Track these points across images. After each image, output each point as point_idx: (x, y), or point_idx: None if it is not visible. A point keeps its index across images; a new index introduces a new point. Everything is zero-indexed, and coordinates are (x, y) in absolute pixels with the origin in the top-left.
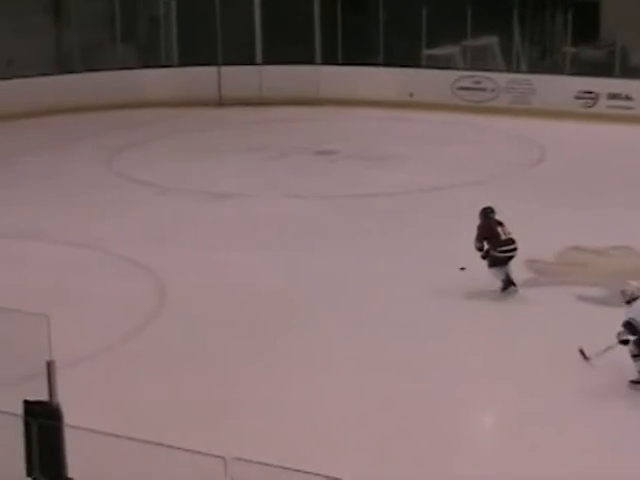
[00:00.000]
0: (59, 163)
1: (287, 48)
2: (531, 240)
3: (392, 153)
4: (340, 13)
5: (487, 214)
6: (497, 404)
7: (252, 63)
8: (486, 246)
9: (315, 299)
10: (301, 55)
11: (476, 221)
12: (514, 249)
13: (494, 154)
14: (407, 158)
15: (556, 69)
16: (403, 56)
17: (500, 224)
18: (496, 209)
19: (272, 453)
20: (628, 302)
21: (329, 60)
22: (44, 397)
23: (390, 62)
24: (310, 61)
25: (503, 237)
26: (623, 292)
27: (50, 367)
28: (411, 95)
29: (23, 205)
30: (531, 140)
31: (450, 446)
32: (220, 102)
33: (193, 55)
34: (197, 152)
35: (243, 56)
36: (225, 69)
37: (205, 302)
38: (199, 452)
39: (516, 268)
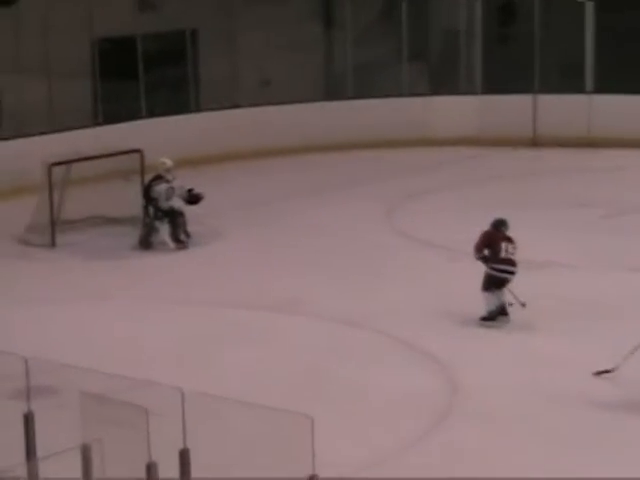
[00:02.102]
0: (323, 215)
1: (626, 71)
2: None
3: None
4: None
5: (496, 225)
6: None
7: (579, 91)
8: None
9: None
10: None
11: None
12: (511, 272)
13: None
14: None
15: None
16: None
17: (508, 240)
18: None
19: None
20: None
21: None
22: None
23: None
24: None
25: (502, 254)
26: None
27: None
28: None
29: (278, 266)
30: None
31: None
32: (534, 141)
33: (501, 79)
34: (501, 206)
35: (567, 81)
36: (543, 98)
37: (512, 406)
38: None
39: None
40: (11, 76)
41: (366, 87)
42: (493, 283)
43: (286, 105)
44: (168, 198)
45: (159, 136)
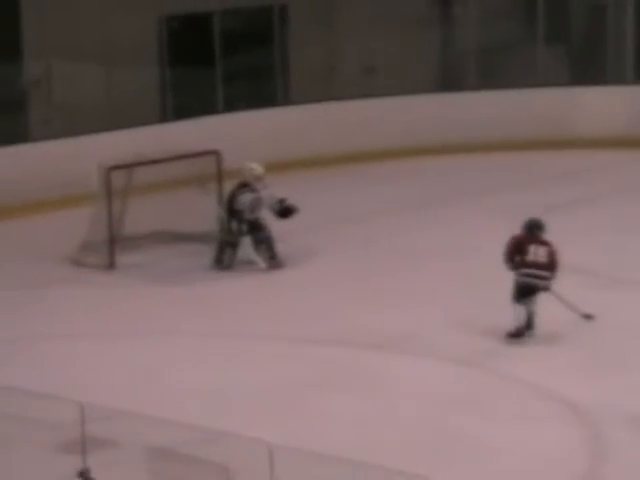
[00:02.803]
0: (438, 234)
1: None
2: None
3: None
4: None
5: (530, 227)
6: None
7: None
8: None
9: None
10: None
11: None
12: (540, 277)
13: None
14: None
15: None
16: None
17: (539, 242)
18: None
19: None
20: None
21: None
22: None
23: None
24: None
25: (531, 257)
26: None
27: None
28: None
29: (384, 295)
30: None
31: None
32: None
33: None
34: None
35: None
36: None
37: None
38: None
39: None
40: (62, 63)
41: (492, 76)
42: (521, 291)
43: (394, 97)
44: (253, 210)
45: (239, 135)
